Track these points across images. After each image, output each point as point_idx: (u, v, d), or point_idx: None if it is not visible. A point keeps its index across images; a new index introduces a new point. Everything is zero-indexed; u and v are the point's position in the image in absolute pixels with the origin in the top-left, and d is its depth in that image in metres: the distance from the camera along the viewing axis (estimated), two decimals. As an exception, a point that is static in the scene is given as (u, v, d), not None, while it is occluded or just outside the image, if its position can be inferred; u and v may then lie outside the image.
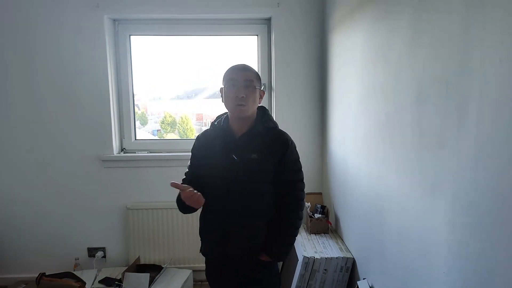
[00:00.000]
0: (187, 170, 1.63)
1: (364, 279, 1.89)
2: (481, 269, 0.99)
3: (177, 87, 3.19)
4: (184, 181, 1.57)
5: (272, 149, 1.49)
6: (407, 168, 1.42)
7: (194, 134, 3.22)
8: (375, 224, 1.76)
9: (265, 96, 2.90)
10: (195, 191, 1.40)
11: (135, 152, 2.89)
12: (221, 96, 1.52)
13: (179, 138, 3.20)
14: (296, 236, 1.57)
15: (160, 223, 2.82)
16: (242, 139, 1.50)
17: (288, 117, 2.76)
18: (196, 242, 2.69)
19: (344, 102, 2.25)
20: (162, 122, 3.29)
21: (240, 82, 1.44)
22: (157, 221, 2.82)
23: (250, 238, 1.51)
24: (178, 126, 3.31)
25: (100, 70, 2.68)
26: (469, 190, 1.03)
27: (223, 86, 1.50)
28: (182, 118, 3.28)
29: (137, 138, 2.97)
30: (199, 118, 3.39)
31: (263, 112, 1.56)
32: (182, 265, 2.84)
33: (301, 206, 1.55)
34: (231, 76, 1.47)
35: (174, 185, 1.39)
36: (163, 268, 2.69)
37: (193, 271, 2.78)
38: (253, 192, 1.49)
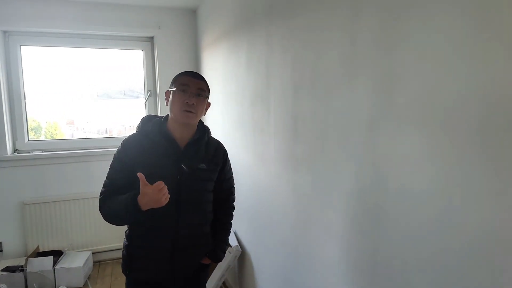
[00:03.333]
0: (108, 180, 1.43)
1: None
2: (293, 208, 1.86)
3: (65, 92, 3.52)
4: (106, 193, 1.41)
5: (215, 159, 1.52)
6: (249, 146, 2.25)
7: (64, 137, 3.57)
8: (237, 183, 2.58)
9: (151, 101, 3.51)
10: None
11: (30, 152, 3.16)
12: (166, 99, 1.46)
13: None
14: None
15: (58, 214, 3.16)
16: (189, 148, 1.44)
17: (172, 117, 3.43)
18: (92, 228, 3.16)
19: (213, 103, 3.04)
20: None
21: (192, 89, 1.40)
22: (54, 213, 3.15)
23: (200, 247, 1.54)
24: (45, 131, 3.57)
25: (-8, 76, 2.90)
26: (279, 155, 1.89)
27: (170, 90, 1.44)
28: (48, 122, 3.56)
29: (30, 139, 3.23)
30: (70, 122, 3.73)
31: (200, 122, 1.54)
32: (81, 249, 3.23)
33: (234, 209, 1.71)
34: (183, 82, 1.41)
35: (141, 176, 1.27)
36: (63, 252, 3.05)
37: (93, 253, 3.22)
38: (202, 202, 1.50)
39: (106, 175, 1.45)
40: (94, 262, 3.26)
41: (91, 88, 3.55)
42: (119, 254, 3.34)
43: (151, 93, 3.49)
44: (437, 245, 0.91)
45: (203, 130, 1.53)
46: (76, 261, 2.96)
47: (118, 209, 1.34)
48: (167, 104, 1.46)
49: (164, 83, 3.40)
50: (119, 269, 3.18)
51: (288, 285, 1.79)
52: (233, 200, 1.70)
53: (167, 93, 1.46)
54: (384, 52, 1.06)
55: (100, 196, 1.43)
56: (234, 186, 1.72)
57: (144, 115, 1.54)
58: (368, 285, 1.18)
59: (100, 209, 1.40)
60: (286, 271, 1.80)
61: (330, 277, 1.40)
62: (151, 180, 1.28)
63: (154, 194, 1.26)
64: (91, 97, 3.59)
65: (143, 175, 1.27)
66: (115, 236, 3.27)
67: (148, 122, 1.48)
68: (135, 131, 1.50)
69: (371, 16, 1.10)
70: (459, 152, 0.84)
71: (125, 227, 1.55)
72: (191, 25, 3.46)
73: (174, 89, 1.42)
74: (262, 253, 2.17)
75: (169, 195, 1.30)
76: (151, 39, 3.45)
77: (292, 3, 1.58)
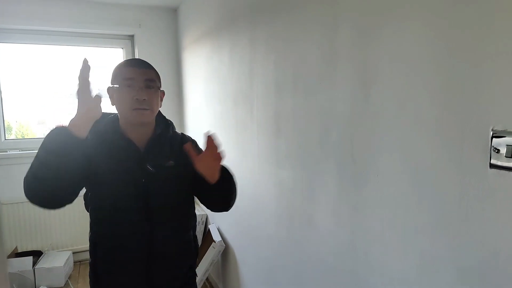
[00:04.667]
0: None
1: (212, 223, 2.76)
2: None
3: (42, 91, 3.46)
4: None
5: (183, 152, 1.19)
6: (232, 144, 2.31)
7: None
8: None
9: (132, 99, 3.51)
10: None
11: (7, 151, 3.10)
12: (110, 98, 1.23)
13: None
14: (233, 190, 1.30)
15: (37, 214, 3.12)
16: (152, 147, 1.24)
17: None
18: (73, 227, 3.13)
19: (195, 102, 3.08)
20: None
21: (140, 82, 1.17)
22: (33, 213, 3.10)
23: (180, 256, 1.31)
24: (16, 131, 3.52)
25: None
26: (262, 151, 1.96)
27: (112, 86, 1.21)
28: (19, 122, 3.50)
29: (6, 138, 3.17)
30: (41, 122, 3.65)
31: (160, 115, 1.33)
32: (61, 249, 3.20)
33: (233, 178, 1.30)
34: (127, 75, 1.17)
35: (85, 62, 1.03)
36: (43, 252, 3.02)
37: (73, 252, 3.19)
38: (177, 204, 1.28)
39: None
40: (75, 262, 3.23)
41: (67, 87, 3.51)
42: (100, 253, 3.33)
43: (132, 92, 3.49)
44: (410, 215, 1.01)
45: (166, 123, 1.32)
46: (57, 261, 2.93)
47: (43, 151, 1.01)
48: (112, 104, 1.22)
49: (145, 82, 3.40)
50: (100, 268, 3.18)
51: (272, 279, 1.87)
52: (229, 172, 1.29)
53: (110, 91, 1.22)
54: (361, 53, 1.15)
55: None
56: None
57: None
58: (350, 274, 1.27)
59: (25, 179, 1.05)
60: (270, 265, 1.88)
61: (315, 270, 1.49)
62: (111, 187, 1.15)
63: (88, 103, 1.01)
64: (66, 96, 3.54)
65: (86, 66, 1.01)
66: (96, 235, 3.25)
67: (100, 120, 1.20)
68: None
69: (349, 20, 1.19)
70: (428, 144, 0.94)
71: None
72: (171, 24, 3.48)
73: (117, 85, 1.18)
74: (245, 247, 2.24)
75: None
76: (131, 37, 3.45)
77: (275, 5, 1.66)
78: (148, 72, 1.21)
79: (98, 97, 1.03)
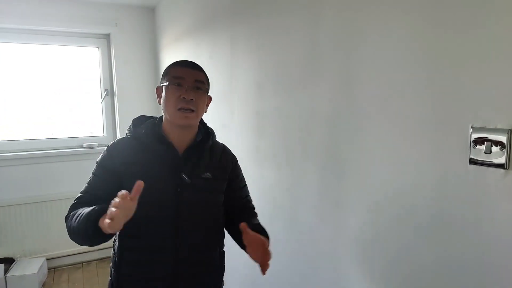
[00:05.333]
0: (87, 186, 1.17)
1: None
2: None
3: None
4: (79, 199, 1.15)
5: (222, 165, 1.24)
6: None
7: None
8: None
9: (108, 100, 3.42)
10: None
11: (-26, 154, 2.95)
12: (158, 97, 1.21)
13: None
14: None
15: (8, 220, 2.98)
16: (190, 154, 1.19)
17: (132, 115, 3.35)
18: (46, 233, 3.01)
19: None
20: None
21: (189, 82, 1.14)
22: (3, 219, 2.97)
23: (206, 275, 1.24)
24: None
25: None
26: (244, 150, 1.94)
27: (162, 85, 1.18)
28: None
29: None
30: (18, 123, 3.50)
31: (202, 122, 1.29)
32: (34, 256, 3.07)
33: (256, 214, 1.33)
34: (177, 74, 1.15)
35: (139, 185, 0.95)
36: (15, 260, 2.89)
37: (47, 259, 3.07)
38: (207, 219, 1.21)
39: (85, 182, 1.18)
40: (49, 269, 3.11)
41: (41, 87, 3.38)
42: (75, 259, 3.22)
43: (108, 92, 3.40)
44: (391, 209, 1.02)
45: (206, 132, 1.27)
46: (30, 268, 2.81)
47: (79, 223, 1.04)
48: (159, 103, 1.20)
49: (121, 82, 3.32)
50: (76, 274, 3.08)
51: (255, 277, 1.85)
52: (253, 208, 1.34)
53: (158, 89, 1.20)
54: (343, 53, 1.15)
55: (72, 204, 1.15)
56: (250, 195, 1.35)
57: (135, 116, 1.28)
58: (333, 271, 1.28)
59: (66, 219, 1.13)
60: (250, 264, 1.87)
61: (297, 266, 1.49)
62: (144, 194, 0.97)
63: (121, 207, 0.90)
64: (42, 96, 3.42)
65: (141, 183, 0.95)
66: (71, 241, 3.12)
67: (140, 124, 1.22)
68: (125, 135, 1.23)
69: (330, 20, 1.20)
70: (409, 142, 0.95)
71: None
72: (149, 24, 3.41)
73: (167, 83, 1.15)
74: (227, 247, 2.21)
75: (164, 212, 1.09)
76: (107, 36, 3.36)
77: (256, 4, 1.65)
78: (199, 74, 1.18)
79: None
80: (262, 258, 1.03)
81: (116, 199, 0.91)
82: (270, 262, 1.03)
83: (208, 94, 1.22)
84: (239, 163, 1.31)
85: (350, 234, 1.18)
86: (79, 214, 1.05)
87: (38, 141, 3.19)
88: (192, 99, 1.12)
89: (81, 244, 1.11)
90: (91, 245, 1.09)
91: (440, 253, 0.89)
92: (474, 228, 0.81)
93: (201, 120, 1.26)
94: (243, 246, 1.08)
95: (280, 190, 1.56)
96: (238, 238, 1.12)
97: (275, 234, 1.64)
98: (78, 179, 3.16)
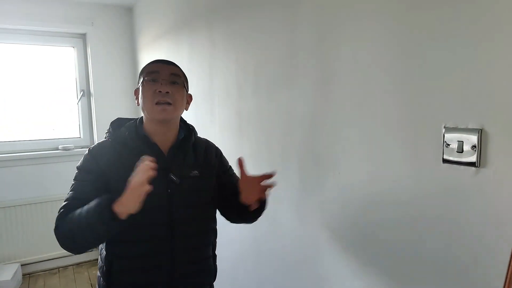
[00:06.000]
0: (72, 193, 1.10)
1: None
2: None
3: None
4: (67, 207, 1.06)
5: (208, 161, 1.24)
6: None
7: None
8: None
9: (84, 101, 3.34)
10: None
11: None
12: (136, 98, 1.19)
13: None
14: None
15: (-21, 225, 2.87)
16: (175, 153, 1.17)
17: (109, 117, 3.29)
18: (20, 238, 2.91)
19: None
20: None
21: (164, 76, 1.12)
22: (-26, 224, 2.85)
23: (200, 273, 1.23)
24: None
25: None
26: (225, 151, 1.94)
27: (138, 85, 1.16)
28: None
29: None
30: None
31: (182, 119, 1.27)
32: (8, 262, 2.97)
33: None
34: (152, 69, 1.14)
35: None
36: (-13, 267, 2.79)
37: (21, 265, 2.97)
38: (201, 219, 1.21)
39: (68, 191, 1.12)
40: (24, 275, 3.01)
41: (15, 87, 3.27)
42: (51, 264, 3.13)
43: (84, 93, 3.32)
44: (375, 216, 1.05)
45: (188, 129, 1.25)
46: (3, 275, 2.72)
47: (87, 218, 0.97)
48: (137, 104, 1.18)
49: (98, 82, 3.25)
50: (52, 280, 2.99)
51: (236, 278, 1.85)
52: None
53: (136, 92, 1.18)
54: (321, 53, 1.17)
55: (58, 214, 1.06)
56: None
57: (113, 118, 1.25)
58: (314, 272, 1.29)
59: (56, 229, 1.04)
60: (233, 263, 1.87)
61: (278, 267, 1.50)
62: None
63: (137, 187, 0.93)
64: (16, 97, 3.31)
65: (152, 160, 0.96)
66: (46, 246, 3.05)
67: (119, 127, 1.19)
68: (104, 139, 1.19)
69: (309, 21, 1.22)
70: (386, 142, 0.98)
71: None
72: (127, 23, 3.36)
73: (142, 80, 1.13)
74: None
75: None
76: (83, 35, 3.28)
77: (234, 4, 1.65)
78: (174, 68, 1.17)
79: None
80: (258, 194, 1.06)
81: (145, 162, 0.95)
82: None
83: (188, 93, 1.22)
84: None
85: (330, 234, 1.20)
86: (79, 214, 1.00)
87: (10, 143, 3.09)
88: (168, 92, 1.10)
89: (82, 246, 1.05)
90: (96, 243, 1.06)
91: (418, 248, 0.92)
92: (448, 224, 0.84)
93: (181, 118, 1.24)
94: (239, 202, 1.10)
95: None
96: (238, 207, 1.13)
97: (255, 234, 1.65)
98: (53, 182, 3.11)
